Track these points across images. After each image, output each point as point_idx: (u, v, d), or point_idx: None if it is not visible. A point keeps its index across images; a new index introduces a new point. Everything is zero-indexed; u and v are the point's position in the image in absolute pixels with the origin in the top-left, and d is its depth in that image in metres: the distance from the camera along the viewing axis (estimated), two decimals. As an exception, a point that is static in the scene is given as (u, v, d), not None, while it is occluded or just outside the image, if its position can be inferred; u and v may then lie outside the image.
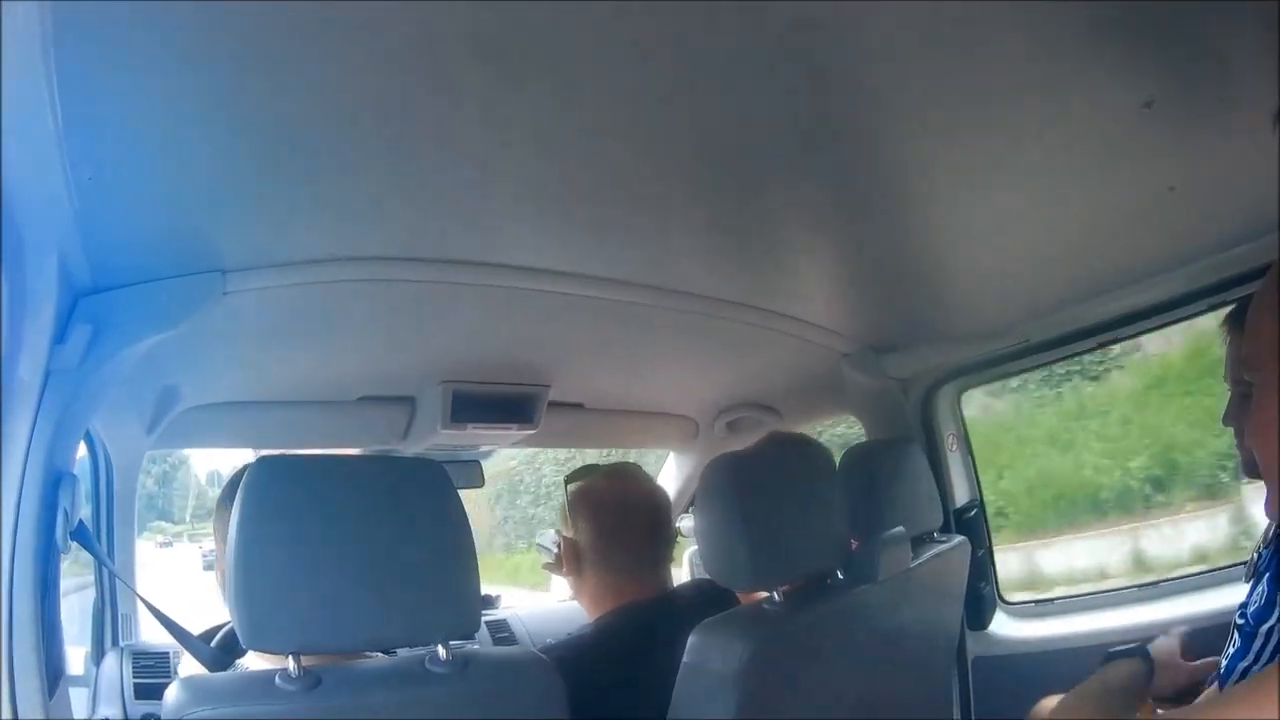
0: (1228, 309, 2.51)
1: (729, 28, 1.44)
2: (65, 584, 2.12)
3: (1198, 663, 2.33)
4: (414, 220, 2.06)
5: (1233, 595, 2.24)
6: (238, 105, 1.51)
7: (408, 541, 1.80)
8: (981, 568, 3.61)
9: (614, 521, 2.77)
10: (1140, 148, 2.03)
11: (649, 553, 2.80)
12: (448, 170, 1.83)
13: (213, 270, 2.08)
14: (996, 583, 3.78)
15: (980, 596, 3.61)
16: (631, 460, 3.83)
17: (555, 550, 2.96)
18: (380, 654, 2.03)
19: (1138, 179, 2.19)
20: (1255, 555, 2.12)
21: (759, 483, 2.35)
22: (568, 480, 2.92)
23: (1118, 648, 2.22)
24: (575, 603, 3.09)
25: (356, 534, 1.75)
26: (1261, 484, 1.60)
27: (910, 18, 1.46)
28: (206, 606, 2.51)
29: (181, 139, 1.59)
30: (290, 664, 1.68)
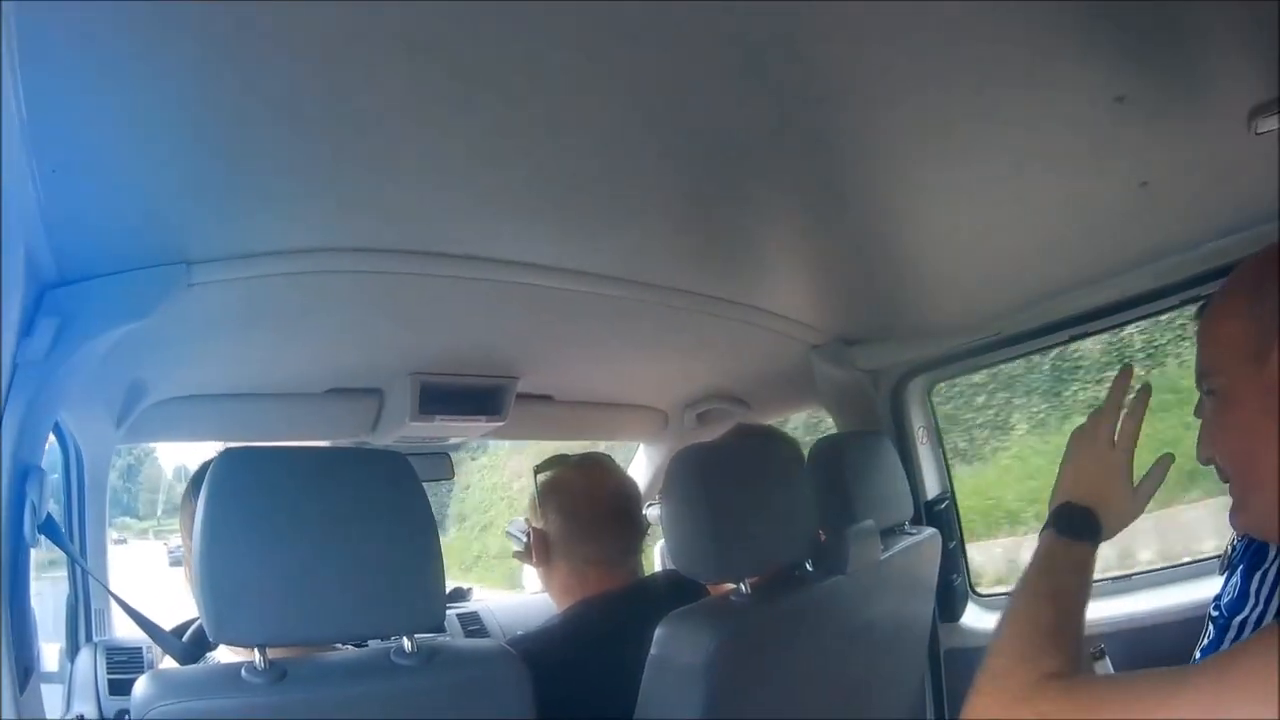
0: (1199, 304, 2.53)
1: (704, 27, 1.45)
2: (39, 579, 2.11)
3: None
4: (381, 212, 2.06)
5: (1207, 588, 2.25)
6: (201, 96, 1.51)
7: (371, 534, 1.80)
8: (953, 559, 3.62)
9: (584, 512, 2.78)
10: (1112, 143, 2.04)
11: (619, 544, 2.81)
12: (413, 161, 1.83)
13: (178, 262, 2.08)
14: (969, 574, 3.80)
15: (952, 588, 3.64)
16: (602, 450, 3.84)
17: (525, 539, 2.97)
18: (351, 646, 2.04)
19: (1110, 174, 2.20)
20: (1229, 548, 2.13)
21: (725, 474, 2.35)
22: (537, 470, 2.92)
23: None
24: (545, 595, 3.09)
25: (321, 526, 1.76)
26: None
27: (881, 15, 1.47)
28: (166, 606, 2.50)
29: (145, 130, 1.58)
30: (256, 657, 1.68)
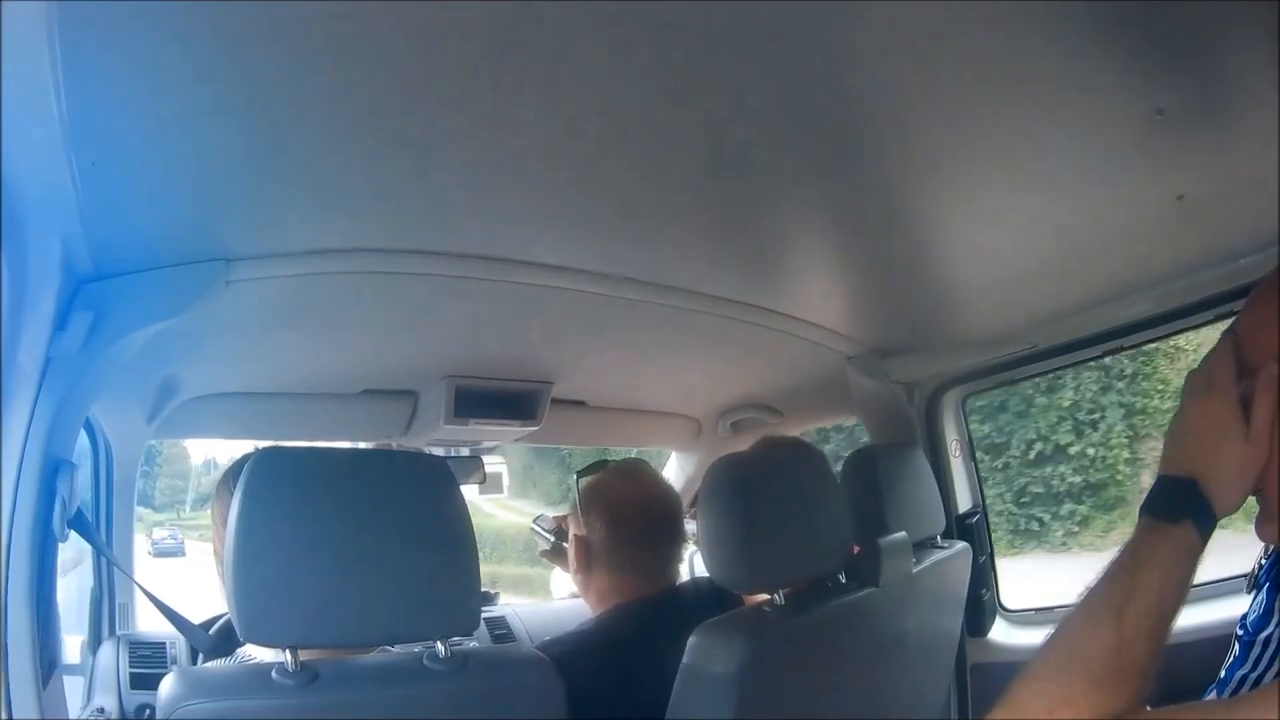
0: (1233, 319, 2.50)
1: (737, 30, 1.44)
2: (63, 571, 2.11)
3: None
4: (420, 213, 2.06)
5: (1235, 607, 2.23)
6: (242, 93, 1.50)
7: (408, 537, 1.80)
8: (982, 574, 3.60)
9: (628, 521, 2.78)
10: (1150, 156, 2.02)
11: (663, 553, 2.81)
12: (454, 163, 1.82)
13: (215, 259, 2.07)
14: (997, 590, 3.77)
15: (980, 603, 3.61)
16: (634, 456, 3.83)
17: (553, 539, 2.96)
18: (388, 647, 2.03)
19: (1147, 187, 2.18)
20: (1256, 566, 2.11)
21: (761, 485, 2.34)
22: (579, 475, 2.91)
23: None
24: (574, 601, 3.08)
25: (356, 528, 1.75)
26: None
27: (919, 23, 1.45)
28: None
29: (185, 126, 1.58)
30: (287, 658, 1.68)
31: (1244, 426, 1.44)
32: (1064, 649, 1.39)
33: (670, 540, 2.83)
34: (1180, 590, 1.40)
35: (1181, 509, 1.42)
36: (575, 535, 2.82)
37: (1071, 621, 1.41)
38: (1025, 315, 3.14)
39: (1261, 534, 1.56)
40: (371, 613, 1.74)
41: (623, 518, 2.77)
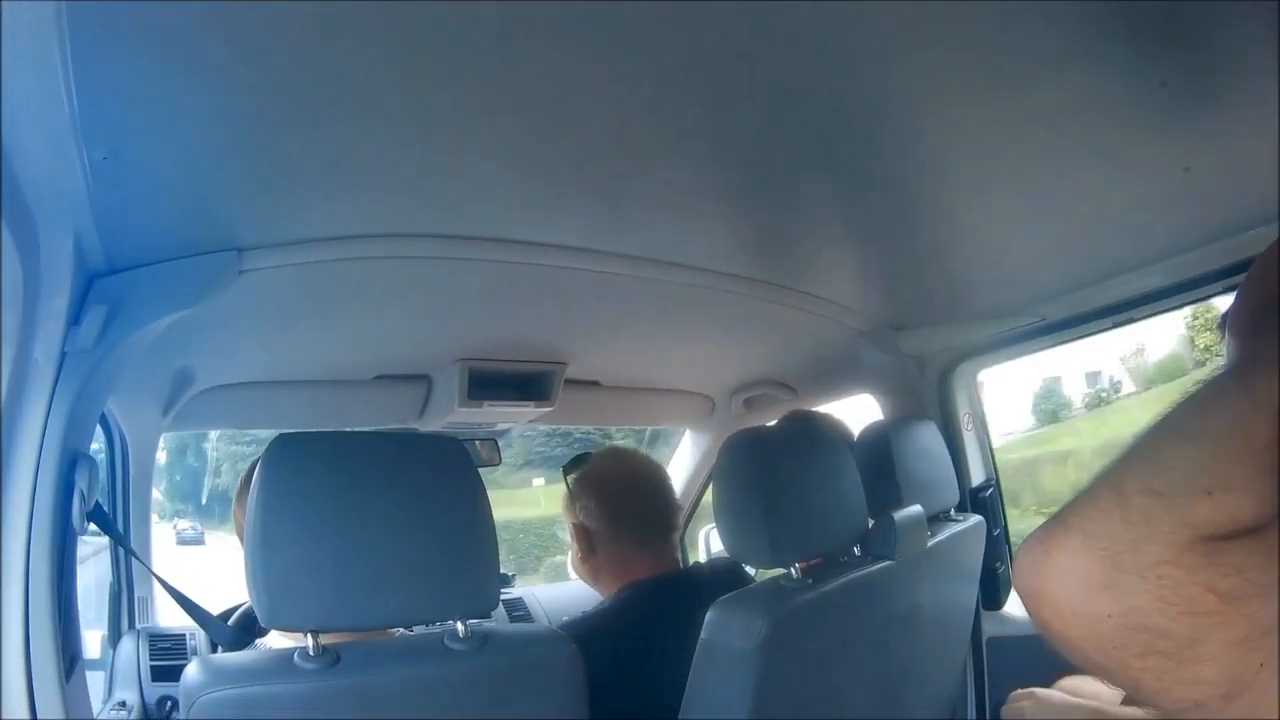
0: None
1: (750, 15, 1.44)
2: (81, 566, 2.13)
3: None
4: (430, 197, 2.06)
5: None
6: (251, 83, 1.51)
7: (426, 519, 1.81)
8: (997, 547, 3.61)
9: (620, 497, 2.86)
10: (1155, 129, 2.01)
11: (657, 524, 2.88)
12: (464, 146, 1.82)
13: (228, 249, 2.08)
14: (1011, 562, 3.77)
15: (995, 576, 3.61)
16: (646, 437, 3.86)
17: None
18: (404, 630, 2.04)
19: (1153, 160, 2.16)
20: None
21: (776, 460, 2.35)
22: (566, 471, 2.99)
23: None
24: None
25: (375, 511, 1.77)
26: None
27: (924, 8, 1.45)
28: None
29: (194, 119, 1.58)
30: (309, 641, 1.69)
31: None
32: (1215, 416, 0.98)
33: (660, 506, 2.92)
34: None
35: None
36: (573, 525, 2.89)
37: (1220, 394, 1.00)
38: (1035, 288, 3.14)
39: None
40: (391, 594, 1.75)
41: (612, 494, 2.86)
